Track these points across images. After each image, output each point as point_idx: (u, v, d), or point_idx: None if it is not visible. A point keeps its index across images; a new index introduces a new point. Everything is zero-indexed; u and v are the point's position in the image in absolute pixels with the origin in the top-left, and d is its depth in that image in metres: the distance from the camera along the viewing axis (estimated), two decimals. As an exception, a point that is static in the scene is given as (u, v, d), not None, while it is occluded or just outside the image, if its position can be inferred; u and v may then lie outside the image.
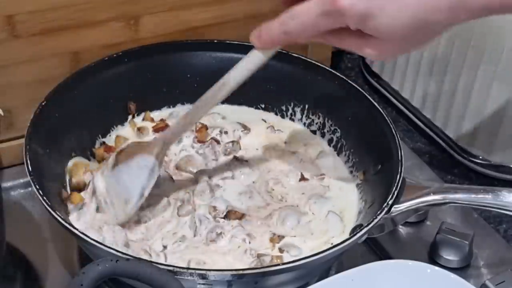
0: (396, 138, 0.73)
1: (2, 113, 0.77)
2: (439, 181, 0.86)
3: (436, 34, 0.59)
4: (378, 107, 0.76)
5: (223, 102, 0.82)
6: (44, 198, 0.64)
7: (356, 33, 0.58)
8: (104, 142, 0.79)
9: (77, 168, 0.75)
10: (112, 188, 0.71)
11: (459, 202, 0.68)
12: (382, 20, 0.56)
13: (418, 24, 0.56)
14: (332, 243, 0.68)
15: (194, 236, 0.70)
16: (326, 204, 0.75)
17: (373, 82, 1.01)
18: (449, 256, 0.75)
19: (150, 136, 0.80)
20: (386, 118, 0.75)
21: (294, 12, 0.59)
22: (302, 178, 0.77)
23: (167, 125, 0.81)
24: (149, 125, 0.82)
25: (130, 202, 0.70)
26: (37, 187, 0.64)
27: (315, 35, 0.60)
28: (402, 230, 0.79)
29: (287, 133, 0.83)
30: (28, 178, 0.65)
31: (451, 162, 0.91)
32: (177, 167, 0.77)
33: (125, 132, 0.81)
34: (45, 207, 0.63)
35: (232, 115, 0.84)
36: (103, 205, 0.70)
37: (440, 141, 0.92)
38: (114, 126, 0.81)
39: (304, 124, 0.84)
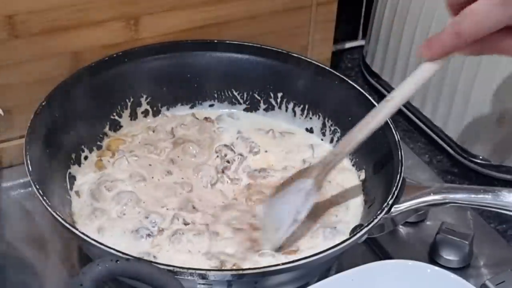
0: (396, 138, 0.73)
1: (2, 113, 0.77)
2: (439, 181, 0.86)
3: None
4: (378, 107, 0.76)
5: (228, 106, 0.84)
6: (44, 198, 0.64)
7: None
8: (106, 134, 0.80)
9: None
10: (268, 214, 0.70)
11: (459, 202, 0.68)
12: None
13: None
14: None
15: None
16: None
17: (373, 82, 1.01)
18: (449, 256, 0.75)
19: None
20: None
21: (466, 11, 0.56)
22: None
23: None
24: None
25: (281, 228, 0.68)
26: (37, 187, 0.64)
27: (487, 33, 0.56)
28: (402, 230, 0.79)
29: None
30: (28, 178, 0.65)
31: (451, 162, 0.91)
32: None
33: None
34: (45, 207, 0.63)
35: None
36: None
37: (440, 141, 0.92)
38: (114, 126, 0.81)
39: (304, 123, 0.84)
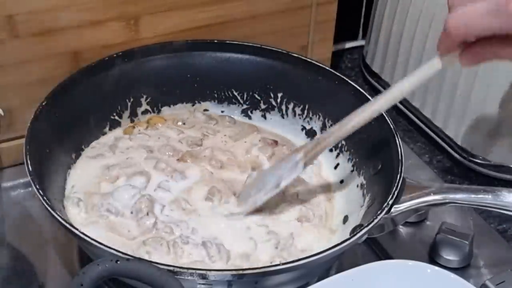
0: (396, 138, 0.73)
1: (2, 113, 0.77)
2: (439, 181, 0.86)
3: None
4: (378, 107, 0.76)
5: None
6: (44, 198, 0.64)
7: None
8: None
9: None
10: (257, 176, 0.74)
11: (459, 202, 0.68)
12: None
13: None
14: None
15: None
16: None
17: (373, 82, 1.01)
18: (449, 256, 0.75)
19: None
20: (386, 118, 0.75)
21: (462, 10, 0.57)
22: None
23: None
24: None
25: (263, 189, 0.71)
26: (37, 187, 0.64)
27: (478, 37, 0.57)
28: (402, 230, 0.79)
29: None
30: (28, 178, 0.65)
31: (451, 162, 0.91)
32: None
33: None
34: (45, 207, 0.63)
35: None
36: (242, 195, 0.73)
37: (440, 141, 0.92)
38: (114, 126, 0.81)
39: (304, 124, 0.84)
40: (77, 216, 0.71)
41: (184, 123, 0.83)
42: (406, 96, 0.65)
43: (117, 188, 0.73)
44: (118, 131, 0.82)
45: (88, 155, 0.78)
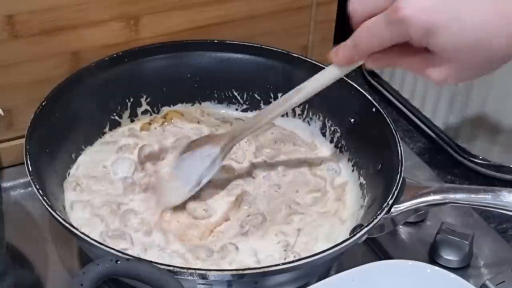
0: (396, 138, 0.73)
1: (2, 113, 0.77)
2: (439, 181, 0.86)
3: (501, 61, 0.58)
4: (378, 107, 0.76)
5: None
6: (44, 198, 0.64)
7: (420, 53, 0.59)
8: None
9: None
10: (175, 170, 0.74)
11: (459, 202, 0.68)
12: (445, 37, 0.56)
13: (481, 46, 0.56)
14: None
15: None
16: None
17: (373, 82, 1.01)
18: (449, 256, 0.75)
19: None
20: (386, 118, 0.75)
21: (363, 25, 0.60)
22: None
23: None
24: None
25: (185, 188, 0.72)
26: (37, 187, 0.64)
27: (380, 49, 0.60)
28: (402, 230, 0.79)
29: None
30: (28, 178, 0.65)
31: (451, 162, 0.91)
32: None
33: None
34: (45, 207, 0.63)
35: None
36: (159, 186, 0.74)
37: (440, 141, 0.92)
38: (114, 126, 0.81)
39: (304, 123, 0.84)
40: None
41: (198, 122, 0.84)
42: (306, 98, 0.70)
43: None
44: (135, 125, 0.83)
45: (108, 140, 0.80)
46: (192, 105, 0.85)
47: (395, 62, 0.62)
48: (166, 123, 0.83)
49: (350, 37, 0.62)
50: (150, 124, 0.83)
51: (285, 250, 0.69)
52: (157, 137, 0.81)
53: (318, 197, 0.76)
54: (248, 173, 0.78)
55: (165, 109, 0.84)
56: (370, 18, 0.60)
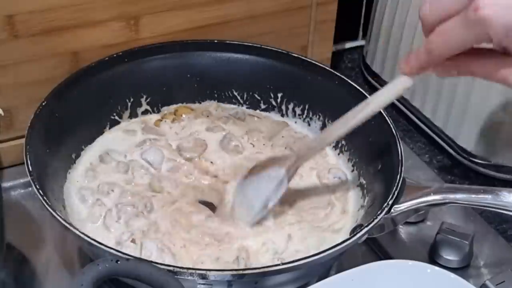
0: (396, 138, 0.73)
1: (2, 113, 0.77)
2: (439, 181, 0.86)
3: None
4: (378, 107, 0.76)
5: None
6: (44, 198, 0.64)
7: (496, 56, 0.57)
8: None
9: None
10: (239, 196, 0.72)
11: (459, 202, 0.68)
12: None
13: None
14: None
15: None
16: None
17: (373, 82, 1.01)
18: (449, 256, 0.75)
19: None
20: (386, 118, 0.75)
21: (438, 29, 0.57)
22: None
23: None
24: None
25: (252, 211, 0.70)
26: (37, 187, 0.64)
27: (457, 52, 0.57)
28: (402, 230, 0.79)
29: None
30: (28, 178, 0.65)
31: (451, 162, 0.91)
32: None
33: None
34: (45, 207, 0.63)
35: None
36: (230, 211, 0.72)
37: (440, 141, 0.92)
38: (114, 126, 0.81)
39: (304, 124, 0.84)
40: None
41: (208, 116, 0.84)
42: (376, 112, 0.67)
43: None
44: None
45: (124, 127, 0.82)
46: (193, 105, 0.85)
47: (469, 68, 0.59)
48: (176, 119, 0.83)
49: (423, 45, 0.59)
50: (161, 120, 0.83)
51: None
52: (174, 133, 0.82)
53: (327, 213, 0.75)
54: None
55: (172, 107, 0.84)
56: (443, 22, 0.57)
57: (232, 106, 0.85)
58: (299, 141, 0.82)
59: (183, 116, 0.83)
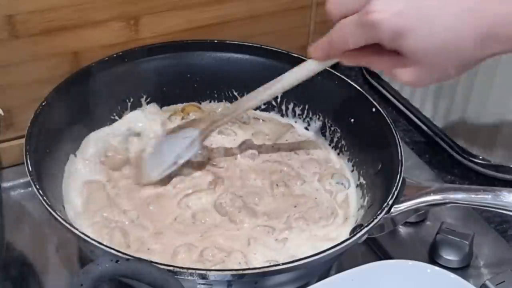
0: (396, 138, 0.73)
1: (2, 113, 0.77)
2: (439, 181, 0.86)
3: (468, 64, 0.60)
4: (378, 107, 0.76)
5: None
6: (44, 198, 0.64)
7: (391, 54, 0.60)
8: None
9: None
10: (154, 151, 0.76)
11: (459, 202, 0.68)
12: (414, 41, 0.57)
13: (449, 50, 0.57)
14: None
15: None
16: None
17: (373, 82, 1.01)
18: (449, 256, 0.75)
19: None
20: (386, 118, 0.75)
21: (338, 24, 0.62)
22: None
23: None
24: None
25: (163, 165, 0.75)
26: (37, 187, 0.64)
27: (353, 48, 0.61)
28: (402, 230, 0.79)
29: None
30: (28, 178, 0.65)
31: (451, 162, 0.91)
32: None
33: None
34: (45, 207, 0.63)
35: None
36: (142, 163, 0.76)
37: (440, 141, 0.92)
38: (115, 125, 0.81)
39: (304, 124, 0.84)
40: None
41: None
42: (285, 90, 0.71)
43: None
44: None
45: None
46: (192, 105, 0.86)
47: (368, 61, 0.63)
48: (184, 117, 0.83)
49: (327, 34, 0.63)
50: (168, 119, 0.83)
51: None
52: None
53: (330, 222, 0.74)
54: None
55: (179, 105, 0.85)
56: (345, 17, 0.61)
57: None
58: (303, 142, 0.82)
59: (190, 114, 0.84)
